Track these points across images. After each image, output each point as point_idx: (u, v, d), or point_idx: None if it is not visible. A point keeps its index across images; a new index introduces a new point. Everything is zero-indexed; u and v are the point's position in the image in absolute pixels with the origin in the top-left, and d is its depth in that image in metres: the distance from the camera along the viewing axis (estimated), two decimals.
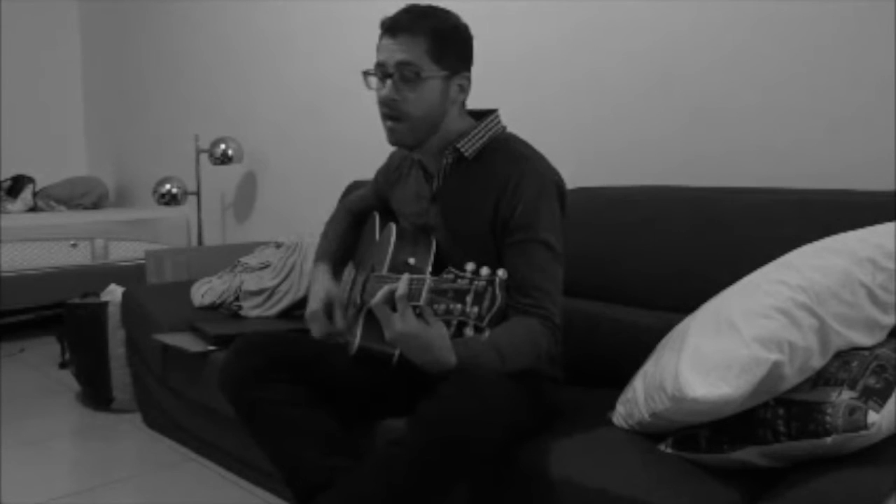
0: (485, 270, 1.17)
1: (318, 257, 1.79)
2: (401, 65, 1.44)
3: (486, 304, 1.15)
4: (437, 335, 1.27)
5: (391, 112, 1.48)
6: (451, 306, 1.17)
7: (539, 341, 1.42)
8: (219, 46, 3.72)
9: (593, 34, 2.21)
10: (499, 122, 1.57)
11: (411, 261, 1.47)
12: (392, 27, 1.46)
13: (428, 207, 1.59)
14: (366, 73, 1.50)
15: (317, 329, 1.65)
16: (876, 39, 1.69)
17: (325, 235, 1.84)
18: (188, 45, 3.92)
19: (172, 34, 4.02)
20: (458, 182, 1.55)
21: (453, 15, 1.51)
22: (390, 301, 1.28)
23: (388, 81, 1.46)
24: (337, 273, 1.74)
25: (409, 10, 1.47)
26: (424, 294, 1.21)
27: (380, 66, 1.47)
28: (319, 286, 1.69)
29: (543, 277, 1.44)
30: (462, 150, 1.52)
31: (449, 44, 1.47)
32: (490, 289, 1.16)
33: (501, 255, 1.47)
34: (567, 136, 2.28)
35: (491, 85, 2.35)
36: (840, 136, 1.77)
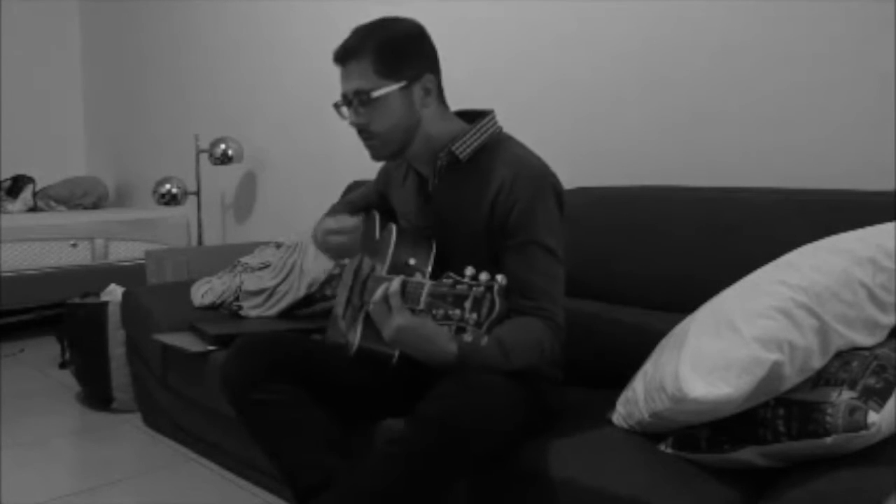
0: (484, 276, 1.17)
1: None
2: (355, 93, 1.48)
3: (484, 310, 1.15)
4: (436, 327, 1.27)
5: (363, 134, 1.52)
6: (450, 312, 1.17)
7: (543, 340, 1.41)
8: (219, 46, 3.72)
9: (592, 33, 2.21)
10: (495, 123, 1.56)
11: (411, 261, 1.47)
12: (340, 57, 1.50)
13: (423, 209, 1.59)
14: (336, 106, 1.54)
15: (337, 235, 1.69)
16: (876, 40, 1.69)
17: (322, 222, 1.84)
18: (188, 45, 3.92)
19: (172, 34, 4.02)
20: (453, 184, 1.54)
21: (402, 22, 1.51)
22: (387, 301, 1.29)
23: (350, 109, 1.50)
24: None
25: (355, 33, 1.49)
26: (424, 298, 1.21)
27: (343, 95, 1.52)
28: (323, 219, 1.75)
29: (543, 279, 1.44)
30: (457, 152, 1.52)
31: (398, 54, 1.47)
32: (489, 295, 1.15)
33: (500, 257, 1.47)
34: (566, 135, 2.27)
35: (489, 85, 2.35)
36: (840, 136, 1.76)
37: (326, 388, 1.53)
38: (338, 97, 1.53)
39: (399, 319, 1.27)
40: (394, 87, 1.46)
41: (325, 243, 1.71)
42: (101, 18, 4.65)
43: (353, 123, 1.52)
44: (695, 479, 1.23)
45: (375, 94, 1.46)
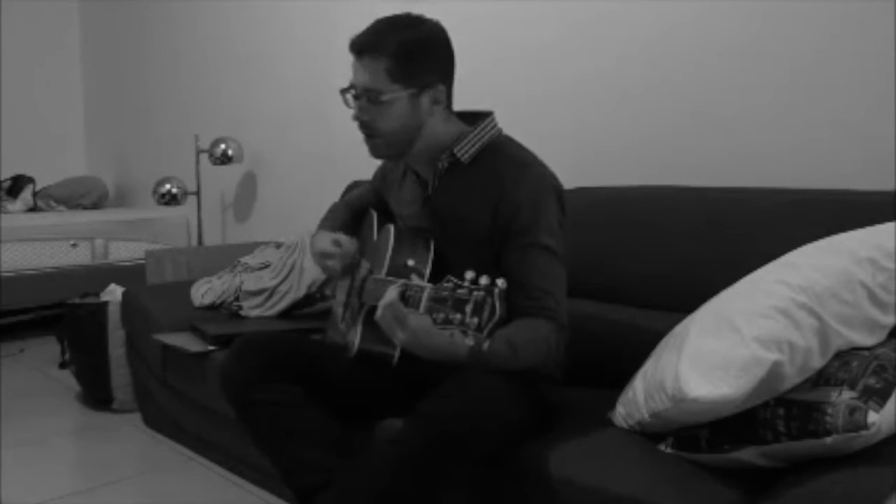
0: (484, 280, 1.17)
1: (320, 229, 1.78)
2: (364, 90, 1.46)
3: (485, 314, 1.15)
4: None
5: (365, 129, 1.51)
6: (451, 315, 1.17)
7: (549, 339, 1.41)
8: (219, 46, 3.72)
9: (593, 34, 2.21)
10: (495, 125, 1.56)
11: (410, 262, 1.47)
12: (357, 49, 1.46)
13: (422, 211, 1.59)
14: (343, 91, 1.51)
15: (331, 259, 1.62)
16: (876, 39, 1.69)
17: (324, 223, 1.84)
18: (188, 45, 3.92)
19: (172, 34, 4.02)
20: (454, 186, 1.54)
21: (425, 25, 1.48)
22: (392, 308, 1.28)
23: (357, 102, 1.48)
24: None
25: (375, 27, 1.46)
26: (424, 302, 1.21)
27: (352, 86, 1.49)
28: (323, 234, 1.69)
29: (546, 280, 1.44)
30: (458, 154, 1.52)
31: (414, 60, 1.45)
32: (489, 299, 1.15)
33: (502, 258, 1.47)
34: (567, 135, 2.27)
35: (491, 85, 2.35)
36: (840, 136, 1.76)
37: (326, 388, 1.53)
38: (338, 97, 1.51)
39: (412, 323, 1.27)
40: (403, 93, 1.45)
41: (320, 265, 1.68)
42: (101, 19, 4.64)
43: (355, 117, 1.50)
44: (695, 479, 1.23)
45: (384, 97, 1.44)
